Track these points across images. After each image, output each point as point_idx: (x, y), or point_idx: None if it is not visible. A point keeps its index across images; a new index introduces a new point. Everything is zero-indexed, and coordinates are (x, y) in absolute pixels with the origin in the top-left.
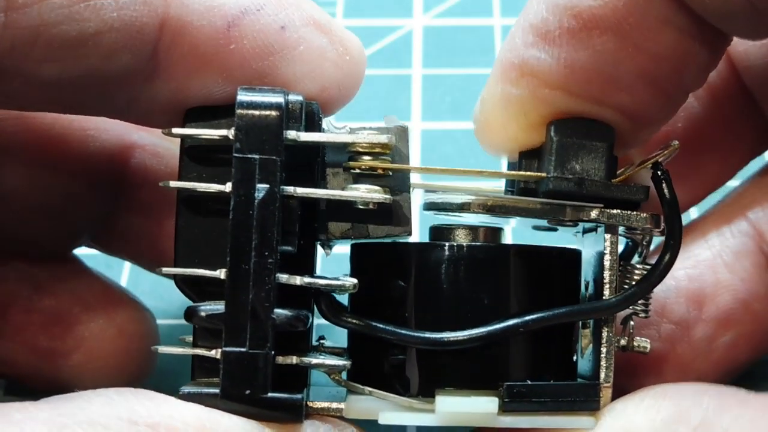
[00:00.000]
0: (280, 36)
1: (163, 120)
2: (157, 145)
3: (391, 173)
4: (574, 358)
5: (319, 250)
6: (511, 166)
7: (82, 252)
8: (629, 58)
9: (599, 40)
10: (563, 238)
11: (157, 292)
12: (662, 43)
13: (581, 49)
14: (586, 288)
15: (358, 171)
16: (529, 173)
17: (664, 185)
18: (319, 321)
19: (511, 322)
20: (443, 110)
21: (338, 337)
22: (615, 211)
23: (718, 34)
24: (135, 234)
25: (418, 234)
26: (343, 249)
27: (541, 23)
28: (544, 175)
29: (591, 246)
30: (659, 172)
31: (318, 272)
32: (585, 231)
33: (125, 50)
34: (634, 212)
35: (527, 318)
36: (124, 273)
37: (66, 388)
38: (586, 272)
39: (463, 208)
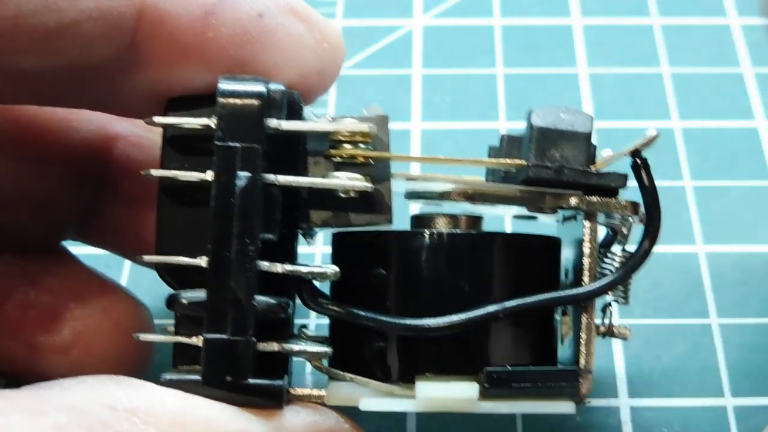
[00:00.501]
0: (257, 23)
1: (145, 111)
2: (140, 135)
3: (372, 162)
4: (554, 345)
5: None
6: (490, 155)
7: (82, 251)
8: None
9: None
10: (544, 227)
11: (156, 292)
12: None
13: None
14: (566, 276)
15: (339, 159)
16: (509, 161)
17: (642, 173)
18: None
19: (490, 308)
20: (443, 110)
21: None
22: (594, 198)
23: None
24: (119, 225)
25: (400, 223)
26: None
27: None
28: (524, 162)
29: (571, 234)
30: (638, 160)
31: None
32: (565, 219)
33: (104, 40)
34: (614, 199)
35: (506, 304)
36: (124, 273)
37: None
38: (566, 261)
39: (443, 196)
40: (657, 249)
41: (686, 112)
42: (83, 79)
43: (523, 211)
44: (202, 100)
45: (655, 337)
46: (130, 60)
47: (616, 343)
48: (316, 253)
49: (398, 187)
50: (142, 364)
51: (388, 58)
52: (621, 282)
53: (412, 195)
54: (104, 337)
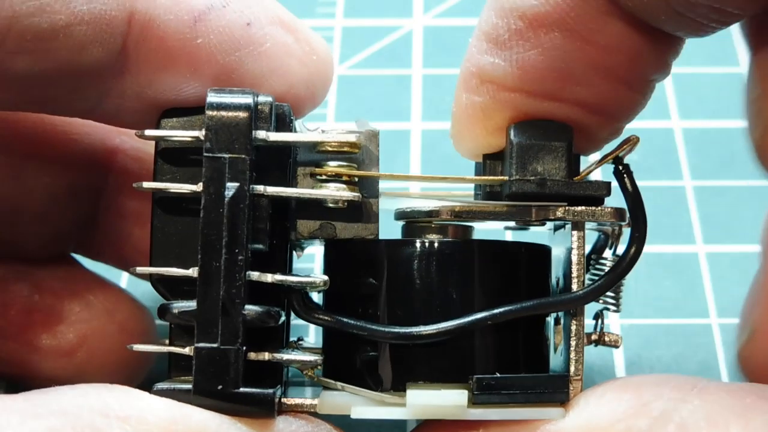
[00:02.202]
0: (245, 32)
1: (135, 119)
2: (139, 149)
3: (357, 180)
4: (546, 352)
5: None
6: (477, 170)
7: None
8: (579, 51)
9: (547, 37)
10: (536, 236)
11: (156, 295)
12: (610, 35)
13: (531, 48)
14: (558, 284)
15: (324, 177)
16: (491, 177)
17: (625, 179)
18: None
19: (479, 315)
20: (443, 110)
21: None
22: (579, 208)
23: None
24: (118, 238)
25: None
26: None
27: (491, 29)
28: (506, 178)
29: (561, 242)
30: (620, 167)
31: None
32: (555, 228)
33: (95, 43)
34: (599, 207)
35: (495, 311)
36: (123, 275)
37: None
38: (557, 268)
39: (431, 215)
40: (657, 249)
41: (686, 112)
42: (75, 84)
43: (512, 223)
44: (194, 112)
45: (655, 337)
46: (121, 65)
47: None
48: None
49: (389, 204)
50: (145, 367)
51: (388, 58)
52: (608, 288)
53: (402, 215)
54: (109, 340)
